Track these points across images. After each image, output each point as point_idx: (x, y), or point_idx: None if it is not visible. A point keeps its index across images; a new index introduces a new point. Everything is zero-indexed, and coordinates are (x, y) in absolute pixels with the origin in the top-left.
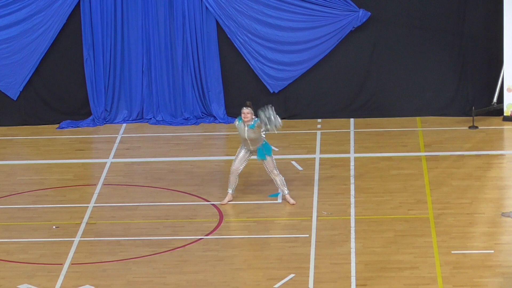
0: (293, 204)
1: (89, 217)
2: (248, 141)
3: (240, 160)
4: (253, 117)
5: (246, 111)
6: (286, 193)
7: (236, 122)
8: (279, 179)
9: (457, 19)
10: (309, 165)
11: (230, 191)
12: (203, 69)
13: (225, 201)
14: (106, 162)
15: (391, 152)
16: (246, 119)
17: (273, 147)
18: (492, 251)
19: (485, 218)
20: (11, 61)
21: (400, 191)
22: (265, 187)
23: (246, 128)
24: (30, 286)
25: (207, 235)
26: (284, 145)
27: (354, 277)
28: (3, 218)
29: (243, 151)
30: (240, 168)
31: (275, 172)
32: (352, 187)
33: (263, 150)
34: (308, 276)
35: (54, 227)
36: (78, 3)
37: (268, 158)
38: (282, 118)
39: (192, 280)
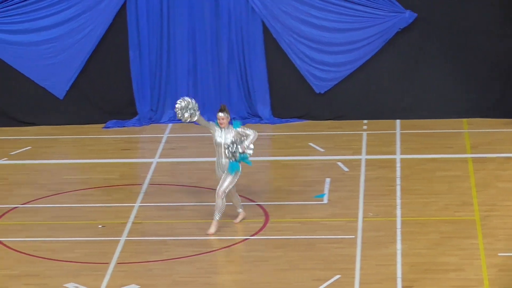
0: (210, 234)
1: (135, 217)
2: (223, 149)
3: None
4: (230, 122)
5: (221, 116)
6: (217, 218)
7: (214, 125)
8: (220, 203)
9: (502, 21)
10: (355, 166)
11: (240, 210)
12: (249, 69)
13: (239, 219)
14: (151, 162)
15: (437, 154)
16: (222, 125)
17: (318, 148)
18: None
19: None
20: (57, 61)
21: (446, 193)
22: (310, 188)
23: (222, 132)
24: (76, 285)
25: (252, 235)
26: (330, 146)
27: (400, 279)
28: (48, 217)
29: (217, 172)
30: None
31: (220, 194)
32: (398, 188)
33: (235, 164)
34: (354, 277)
35: (100, 226)
36: (125, 3)
37: (230, 175)
38: (327, 119)
39: (236, 280)
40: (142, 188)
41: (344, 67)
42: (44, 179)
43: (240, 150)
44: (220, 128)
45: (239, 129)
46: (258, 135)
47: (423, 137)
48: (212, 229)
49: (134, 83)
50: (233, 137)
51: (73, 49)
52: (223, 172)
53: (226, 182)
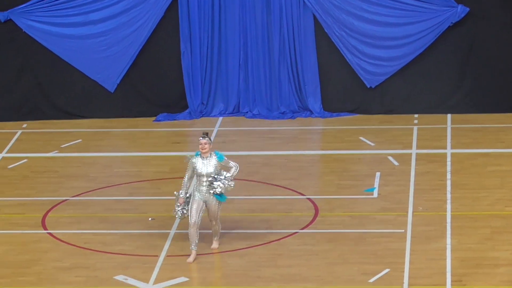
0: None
1: None
2: (205, 178)
3: (196, 211)
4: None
5: (203, 142)
6: (215, 238)
7: (193, 159)
8: (214, 229)
9: None
10: (405, 160)
11: (194, 248)
12: (300, 63)
13: (191, 259)
14: None
15: (488, 148)
16: (204, 150)
17: (368, 142)
18: None
19: None
20: (108, 54)
21: (497, 188)
22: (360, 182)
23: (204, 161)
24: (126, 277)
25: (302, 229)
26: (380, 140)
27: (450, 273)
28: (99, 209)
29: (196, 200)
30: (199, 221)
31: (214, 222)
32: (449, 183)
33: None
34: (403, 272)
35: (150, 219)
36: None
37: (216, 203)
38: (378, 113)
39: (286, 274)
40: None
41: (395, 62)
42: (95, 172)
43: (221, 189)
44: (202, 157)
45: (223, 162)
46: (310, 129)
47: (474, 131)
48: (215, 245)
49: (185, 77)
50: (215, 168)
51: (124, 42)
52: (203, 199)
53: (215, 210)
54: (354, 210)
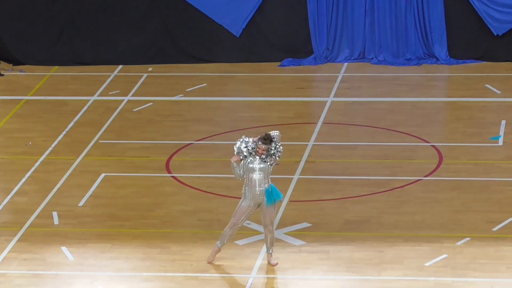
0: (274, 265)
1: (308, 155)
2: (257, 177)
3: (243, 212)
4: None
5: (263, 147)
6: (270, 252)
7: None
8: (270, 237)
9: None
10: None
11: (219, 244)
12: (427, 10)
13: (212, 258)
14: (326, 101)
15: None
16: (259, 154)
17: (494, 89)
18: None
19: None
20: None
21: None
22: (485, 129)
23: (257, 158)
24: (249, 222)
25: (426, 176)
26: (506, 88)
27: None
28: (223, 154)
29: (245, 202)
30: (240, 223)
31: (270, 228)
32: None
33: (271, 193)
34: None
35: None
36: None
37: (271, 206)
38: (505, 61)
39: (409, 221)
40: (317, 127)
41: None
42: (220, 116)
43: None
44: (255, 156)
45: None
46: (436, 75)
47: None
48: (272, 261)
49: (310, 22)
50: (266, 164)
51: None
52: (256, 203)
53: (270, 214)
54: (479, 158)
